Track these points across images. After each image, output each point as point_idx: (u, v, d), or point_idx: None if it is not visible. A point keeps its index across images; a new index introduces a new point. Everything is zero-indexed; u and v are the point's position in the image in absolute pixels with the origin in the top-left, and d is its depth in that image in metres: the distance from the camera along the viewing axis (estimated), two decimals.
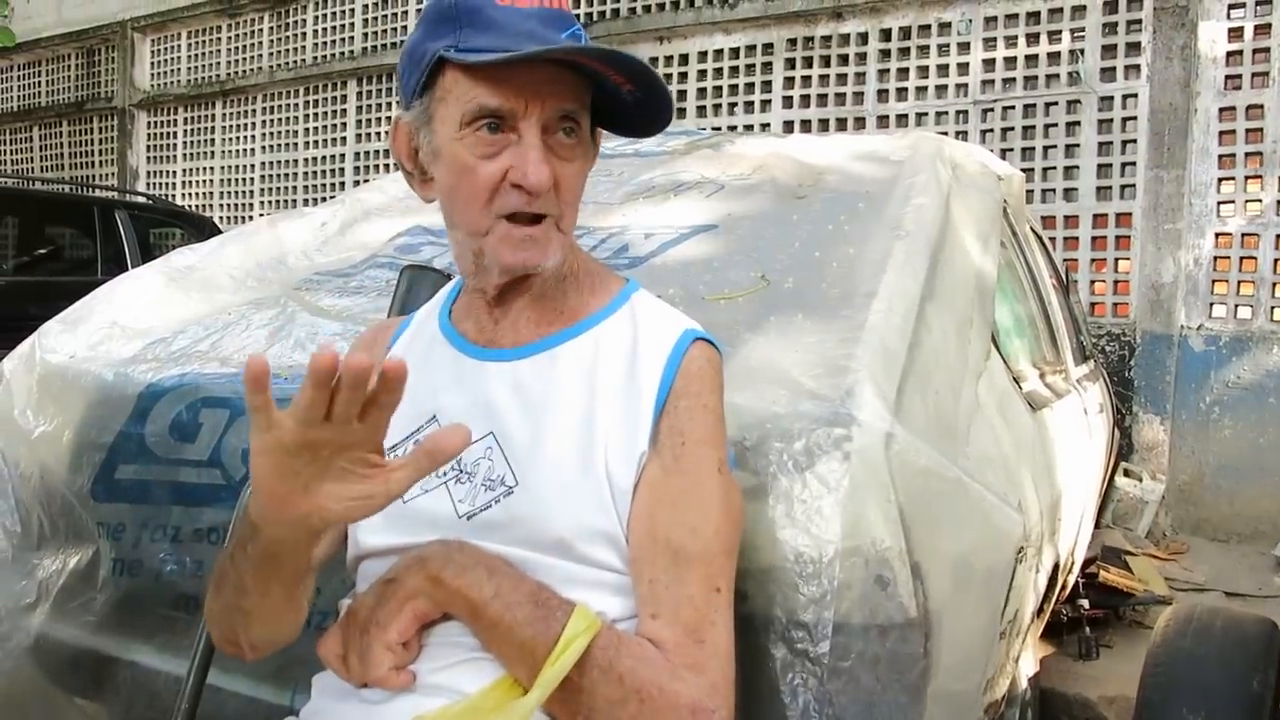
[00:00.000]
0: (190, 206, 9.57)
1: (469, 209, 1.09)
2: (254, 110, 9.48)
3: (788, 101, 6.60)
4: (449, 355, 1.19)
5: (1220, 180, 5.29)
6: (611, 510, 1.07)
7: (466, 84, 1.05)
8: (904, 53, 6.19)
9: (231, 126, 9.66)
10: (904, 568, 1.29)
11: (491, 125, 1.06)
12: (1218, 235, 5.29)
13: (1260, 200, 5.20)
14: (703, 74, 6.92)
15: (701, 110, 6.90)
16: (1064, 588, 3.01)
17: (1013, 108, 5.86)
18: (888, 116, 6.22)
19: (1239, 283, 5.26)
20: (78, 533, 1.85)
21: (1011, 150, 5.75)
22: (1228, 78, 5.26)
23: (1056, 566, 2.32)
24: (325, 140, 8.92)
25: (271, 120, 9.34)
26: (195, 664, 1.54)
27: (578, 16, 1.11)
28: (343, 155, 8.78)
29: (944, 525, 1.39)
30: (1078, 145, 5.67)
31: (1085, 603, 3.43)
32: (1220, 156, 5.28)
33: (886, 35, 6.24)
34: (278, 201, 9.11)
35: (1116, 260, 5.57)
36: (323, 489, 0.88)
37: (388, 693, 1.07)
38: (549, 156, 1.06)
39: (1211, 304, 5.31)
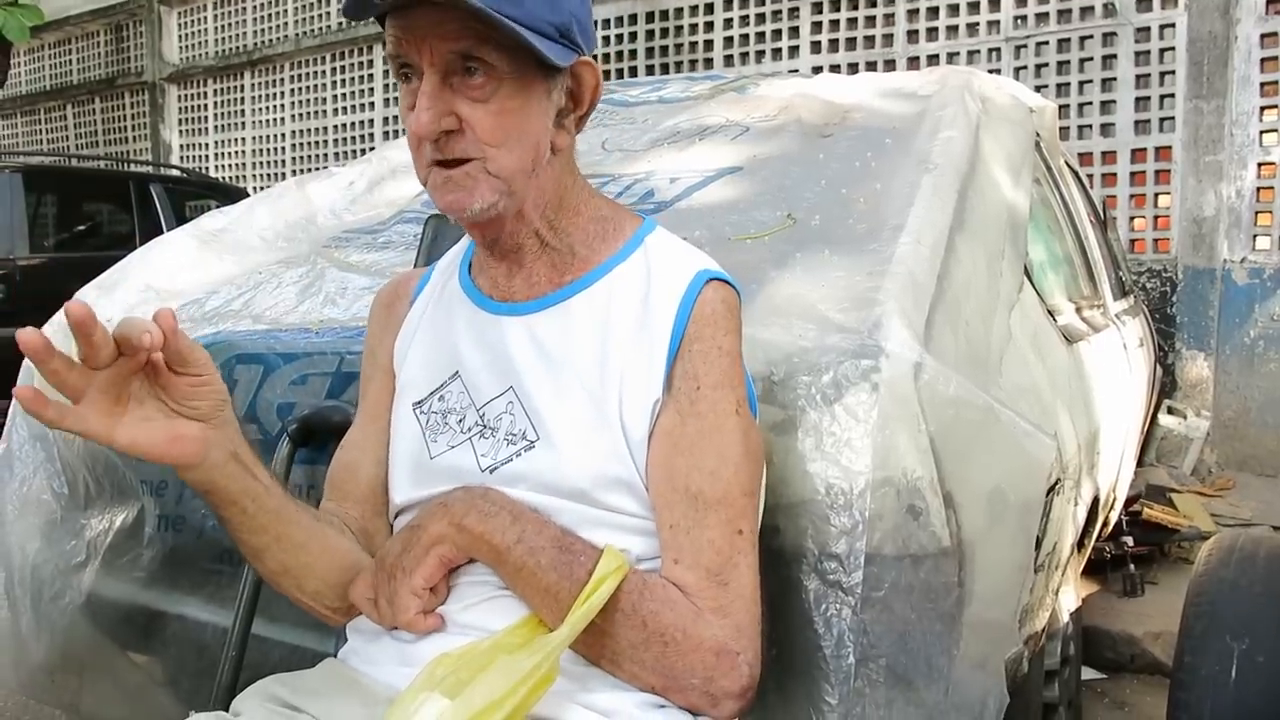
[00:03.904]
0: (223, 177, 9.65)
1: (412, 162, 1.09)
2: (282, 79, 9.50)
3: (815, 47, 6.51)
4: (468, 311, 1.19)
5: (1262, 109, 5.16)
6: (628, 458, 1.07)
7: (386, 35, 1.05)
8: None
9: (261, 96, 9.70)
10: (936, 497, 1.28)
11: (406, 75, 1.05)
12: (1260, 165, 5.17)
13: None
14: (729, 22, 6.84)
15: (729, 60, 6.83)
16: (1106, 524, 2.99)
17: (1046, 43, 5.75)
18: (918, 58, 6.11)
19: None
20: (122, 492, 1.88)
21: (1046, 87, 5.64)
22: (1269, 2, 5.12)
23: (1097, 501, 2.30)
24: (354, 106, 8.94)
25: (300, 89, 9.36)
26: (240, 614, 1.58)
27: None
28: (371, 121, 8.80)
29: (976, 454, 1.38)
30: (1114, 79, 5.55)
31: (1129, 540, 3.41)
32: (1262, 84, 5.14)
33: None
34: (309, 169, 9.14)
35: (1156, 195, 5.47)
36: (129, 426, 0.93)
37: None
38: (455, 99, 1.03)
39: (1255, 236, 5.21)
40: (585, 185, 1.19)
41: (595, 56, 1.14)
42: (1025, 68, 5.80)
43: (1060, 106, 5.03)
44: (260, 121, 9.71)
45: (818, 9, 6.49)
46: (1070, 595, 2.27)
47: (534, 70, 1.05)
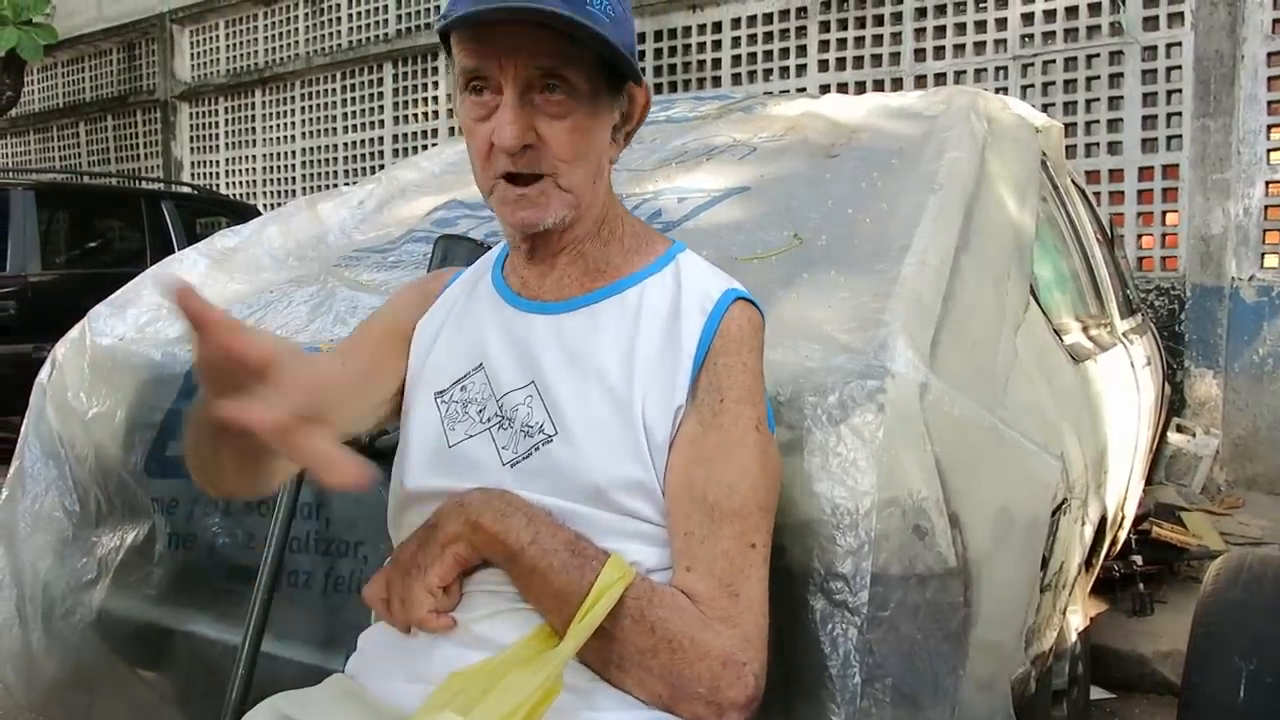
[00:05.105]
0: (234, 194, 9.70)
1: (475, 172, 1.12)
2: (293, 97, 9.57)
3: (823, 65, 6.54)
4: (497, 307, 1.21)
5: (1269, 127, 5.17)
6: (648, 462, 1.08)
7: (458, 48, 1.07)
8: (940, 10, 6.10)
9: (271, 114, 9.77)
10: (941, 517, 1.29)
11: (478, 88, 1.07)
12: (1268, 184, 5.17)
13: None
14: (736, 41, 6.87)
15: (736, 78, 6.86)
16: (1114, 543, 2.98)
17: (1053, 62, 5.76)
18: (925, 76, 6.14)
19: None
20: (133, 509, 1.89)
21: (1053, 105, 5.66)
22: (1275, 21, 5.14)
23: (1104, 520, 2.30)
24: (363, 124, 8.99)
25: (310, 106, 9.42)
26: (250, 633, 1.59)
27: None
28: (381, 138, 8.85)
29: (981, 474, 1.39)
30: (1121, 97, 5.56)
31: (1138, 559, 3.40)
32: (1269, 103, 5.15)
33: None
34: (319, 186, 9.19)
35: (1164, 213, 5.47)
36: None
37: (430, 644, 1.10)
38: (534, 115, 1.05)
39: (1263, 254, 5.20)
40: (619, 201, 1.23)
41: None
42: (1032, 86, 5.81)
43: (1067, 125, 5.05)
44: (271, 139, 9.77)
45: (825, 28, 6.52)
46: (1078, 615, 2.27)
47: (605, 89, 1.09)
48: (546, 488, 1.10)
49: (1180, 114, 5.38)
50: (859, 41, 6.40)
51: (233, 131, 10.11)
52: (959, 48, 6.06)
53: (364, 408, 1.23)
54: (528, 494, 1.10)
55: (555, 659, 0.99)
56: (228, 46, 10.13)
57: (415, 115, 8.61)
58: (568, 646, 0.99)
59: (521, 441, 1.12)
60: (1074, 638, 2.23)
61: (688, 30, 7.09)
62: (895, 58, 6.28)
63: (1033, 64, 5.82)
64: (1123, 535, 3.16)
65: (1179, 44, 5.37)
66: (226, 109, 10.15)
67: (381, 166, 8.56)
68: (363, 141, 9.00)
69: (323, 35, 9.29)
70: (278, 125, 9.72)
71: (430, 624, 1.08)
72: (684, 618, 1.03)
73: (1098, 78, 5.63)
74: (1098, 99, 5.63)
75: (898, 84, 6.19)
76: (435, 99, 8.48)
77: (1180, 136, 5.38)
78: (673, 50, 7.16)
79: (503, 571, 1.09)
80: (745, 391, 1.10)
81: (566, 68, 1.05)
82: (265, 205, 9.39)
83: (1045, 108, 5.51)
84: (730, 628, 1.03)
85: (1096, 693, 2.96)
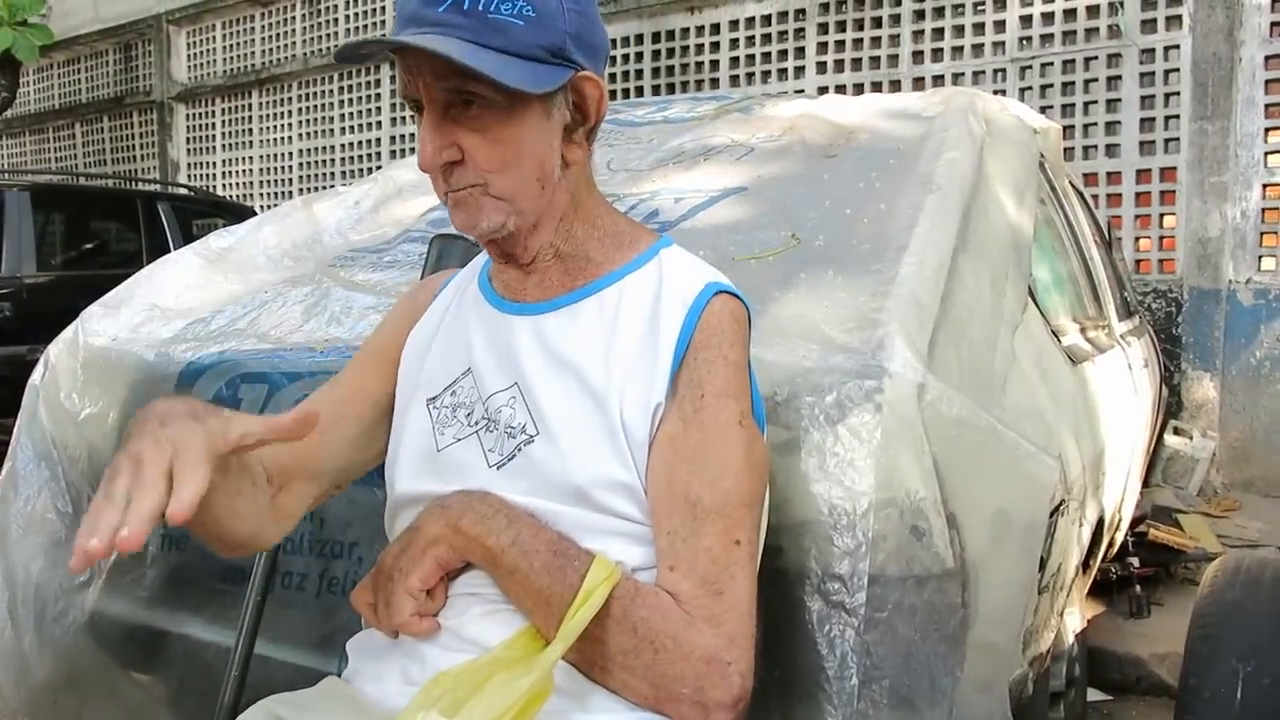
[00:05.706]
0: (231, 196, 9.68)
1: None
2: (290, 98, 9.56)
3: (821, 67, 6.54)
4: (484, 311, 1.21)
5: (1267, 130, 5.16)
6: (629, 461, 1.07)
7: (397, 74, 1.10)
8: (939, 12, 6.10)
9: (268, 115, 9.75)
10: (939, 518, 1.28)
11: (416, 109, 1.09)
12: (1265, 187, 5.17)
13: None
14: (735, 43, 6.87)
15: (735, 80, 6.85)
16: (1111, 545, 2.98)
17: (1051, 64, 5.76)
18: (923, 78, 6.13)
19: None
20: None
21: (1051, 107, 5.65)
22: (1273, 25, 5.13)
23: (1102, 522, 2.30)
24: (361, 125, 8.98)
25: (307, 108, 9.41)
26: (243, 634, 1.58)
27: None
28: (378, 140, 8.84)
29: (979, 475, 1.38)
30: (1119, 100, 5.56)
31: (1135, 561, 3.39)
32: (1267, 106, 5.16)
33: None
34: (316, 187, 9.17)
35: (1161, 216, 5.47)
36: None
37: (422, 647, 1.09)
38: (457, 130, 1.06)
39: (1260, 257, 5.21)
40: (602, 200, 1.21)
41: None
42: (1030, 88, 5.81)
43: (1065, 127, 5.04)
44: (268, 140, 9.76)
45: (823, 29, 6.52)
46: (1076, 616, 2.26)
47: (529, 94, 1.06)
48: (530, 488, 1.09)
49: (1178, 117, 5.38)
50: (857, 43, 6.40)
51: (229, 133, 10.09)
52: (957, 50, 6.06)
53: (347, 432, 1.25)
54: (513, 496, 1.09)
55: (544, 661, 0.98)
56: (224, 48, 10.11)
57: (412, 117, 8.58)
58: (557, 648, 0.98)
59: (506, 443, 1.12)
60: (1071, 639, 2.22)
61: (686, 32, 7.08)
62: (893, 60, 6.28)
63: (1031, 66, 5.82)
64: (1120, 537, 3.16)
65: (1177, 47, 5.37)
66: (223, 110, 10.14)
67: (379, 168, 8.54)
68: (360, 143, 8.99)
69: (320, 36, 9.28)
70: (275, 126, 9.70)
71: (413, 627, 1.08)
72: (666, 617, 1.02)
73: (1096, 80, 5.63)
74: (1096, 101, 5.63)
75: (896, 86, 6.19)
76: None
77: (1178, 139, 5.38)
78: (671, 52, 7.15)
79: (484, 572, 1.09)
80: (726, 385, 1.08)
81: (471, 84, 1.03)
82: (262, 206, 9.37)
83: (1043, 110, 5.51)
84: (714, 627, 1.02)
85: (1093, 694, 2.96)
